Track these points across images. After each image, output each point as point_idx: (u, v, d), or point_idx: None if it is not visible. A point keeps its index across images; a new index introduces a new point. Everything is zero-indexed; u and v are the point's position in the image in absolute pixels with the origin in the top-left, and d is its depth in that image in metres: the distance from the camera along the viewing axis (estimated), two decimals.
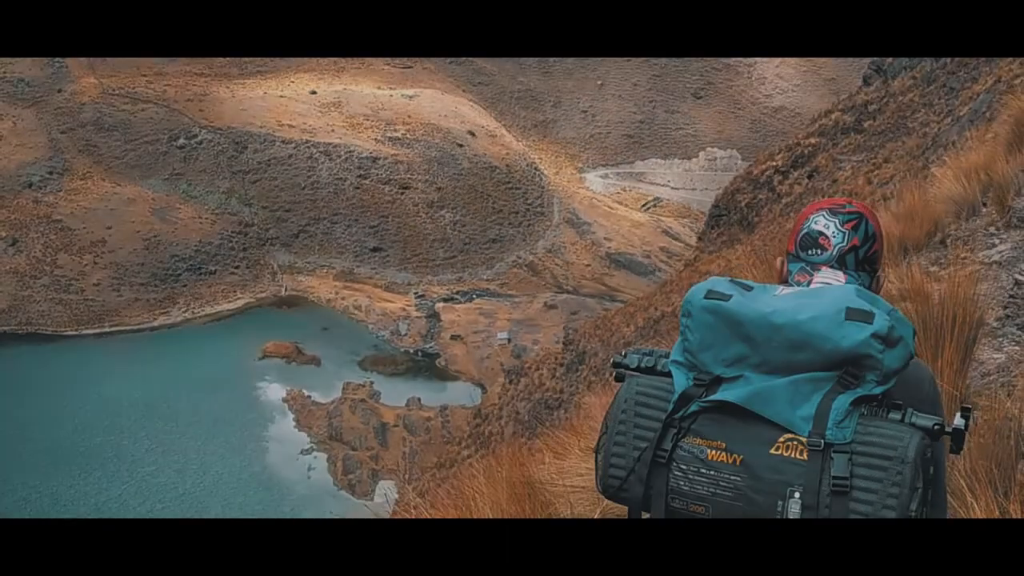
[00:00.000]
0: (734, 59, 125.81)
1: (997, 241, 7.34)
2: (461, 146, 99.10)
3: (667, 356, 2.32)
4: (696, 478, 2.14)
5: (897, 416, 2.07)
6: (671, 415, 2.18)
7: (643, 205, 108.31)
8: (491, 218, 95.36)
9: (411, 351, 79.12)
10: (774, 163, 53.52)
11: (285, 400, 70.39)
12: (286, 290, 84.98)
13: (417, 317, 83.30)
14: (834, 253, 2.54)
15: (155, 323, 78.70)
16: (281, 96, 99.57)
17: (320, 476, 62.04)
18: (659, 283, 64.23)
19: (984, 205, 8.20)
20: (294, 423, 68.02)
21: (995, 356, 5.33)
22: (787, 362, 2.12)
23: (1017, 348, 5.38)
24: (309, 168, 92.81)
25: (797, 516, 2.02)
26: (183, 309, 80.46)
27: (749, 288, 2.25)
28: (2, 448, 60.48)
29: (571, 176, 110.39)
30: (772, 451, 2.08)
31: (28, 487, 58.08)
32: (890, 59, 51.28)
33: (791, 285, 2.54)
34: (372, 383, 73.25)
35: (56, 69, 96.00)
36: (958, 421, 2.13)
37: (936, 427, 2.05)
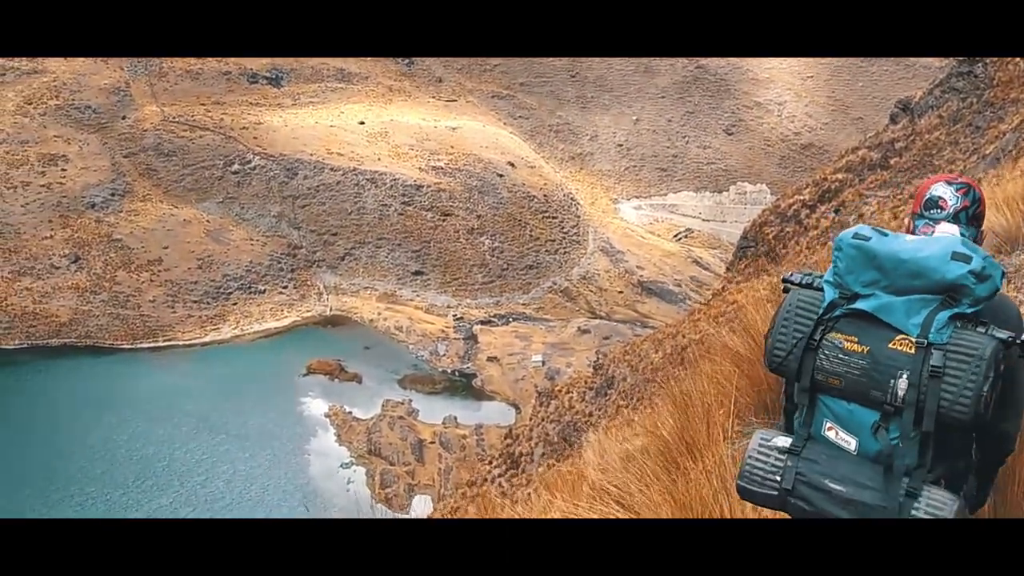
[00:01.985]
0: (765, 98, 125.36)
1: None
2: (501, 176, 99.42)
3: (821, 277, 3.12)
4: (835, 360, 2.93)
5: (982, 330, 2.78)
6: (822, 316, 3.00)
7: (675, 235, 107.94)
8: (528, 245, 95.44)
9: (449, 371, 79.18)
10: (802, 197, 52.93)
11: (327, 415, 70.64)
12: (331, 310, 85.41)
13: (455, 339, 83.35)
14: (950, 212, 3.35)
15: (206, 339, 79.33)
16: (331, 126, 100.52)
17: (359, 489, 62.06)
18: (687, 311, 63.75)
19: None
20: (335, 438, 68.20)
21: None
22: (907, 286, 2.90)
23: None
24: (356, 195, 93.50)
25: (903, 391, 2.78)
26: (233, 326, 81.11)
27: (885, 234, 3.03)
28: (61, 457, 61.13)
29: (606, 207, 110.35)
30: (890, 346, 2.85)
31: (84, 494, 58.69)
32: (917, 98, 50.74)
33: (916, 235, 3.27)
34: (411, 401, 73.37)
35: (121, 97, 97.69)
36: None
37: (1010, 339, 2.76)
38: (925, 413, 2.76)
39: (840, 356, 2.92)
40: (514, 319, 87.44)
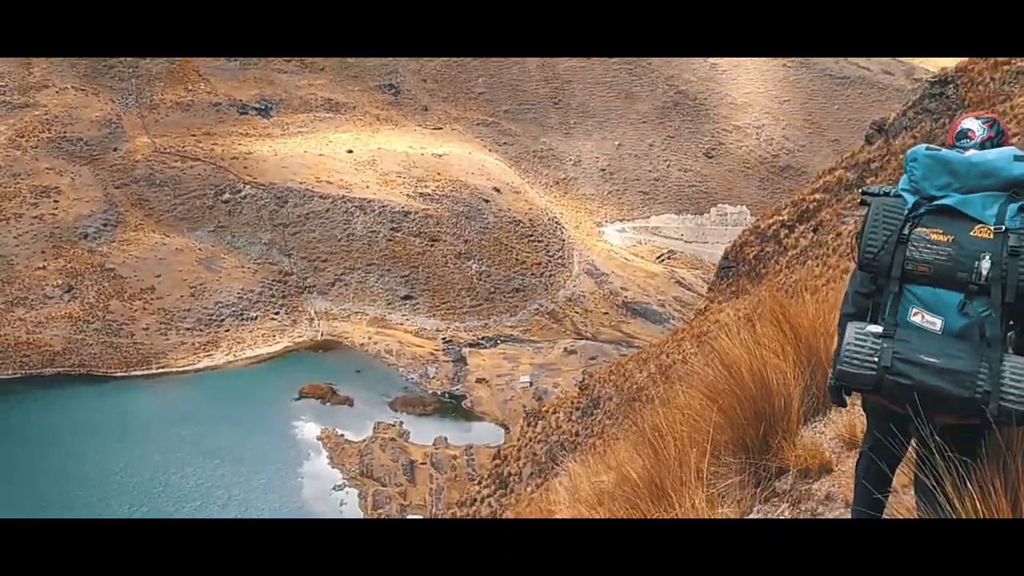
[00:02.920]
0: (743, 122, 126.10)
1: None
2: (487, 201, 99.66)
3: (896, 188, 3.58)
4: (924, 250, 3.35)
5: None
6: (909, 214, 3.43)
7: (658, 257, 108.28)
8: (515, 269, 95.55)
9: (439, 393, 79.02)
10: (781, 218, 53.08)
11: (320, 438, 70.36)
12: (322, 335, 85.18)
13: (445, 361, 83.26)
14: (977, 141, 3.66)
15: (199, 365, 78.93)
16: (320, 154, 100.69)
17: (351, 511, 61.83)
18: (671, 331, 63.82)
19: None
20: (328, 460, 67.92)
21: None
22: (977, 185, 3.37)
23: None
24: (345, 221, 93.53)
25: (987, 270, 3.23)
26: (226, 352, 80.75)
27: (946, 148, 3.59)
28: (56, 485, 60.57)
29: (590, 230, 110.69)
30: (971, 233, 3.30)
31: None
32: (891, 119, 51.02)
33: None
34: (402, 423, 73.22)
35: (112, 129, 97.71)
36: None
37: None
38: (1007, 287, 3.22)
39: (928, 246, 3.35)
40: (502, 341, 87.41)
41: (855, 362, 3.36)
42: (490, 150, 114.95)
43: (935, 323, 3.31)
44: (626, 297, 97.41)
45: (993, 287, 3.23)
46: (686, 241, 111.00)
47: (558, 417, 50.75)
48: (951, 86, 46.35)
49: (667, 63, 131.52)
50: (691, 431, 4.88)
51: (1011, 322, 3.31)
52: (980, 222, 3.32)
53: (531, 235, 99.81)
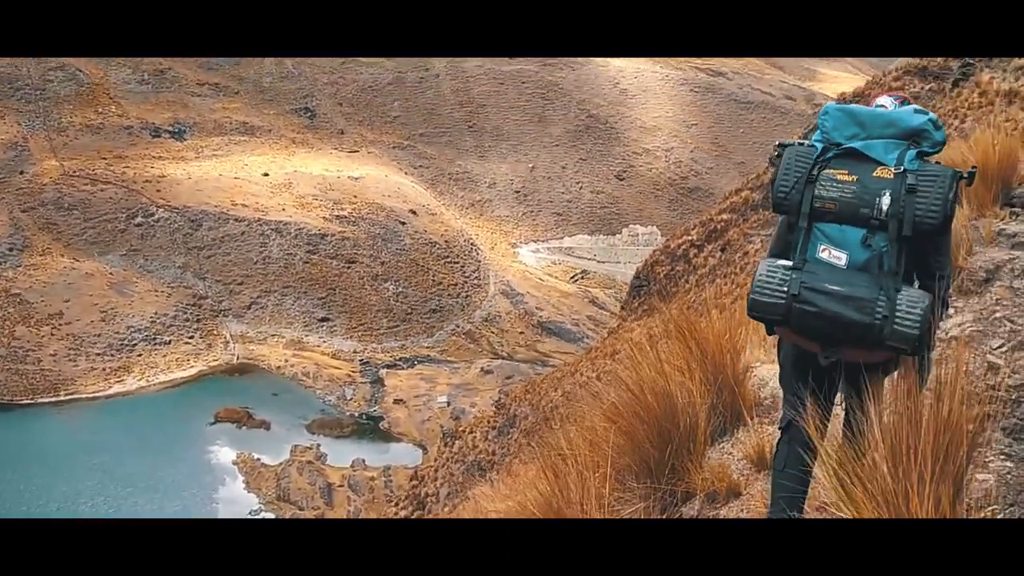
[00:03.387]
0: (653, 145, 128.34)
1: (951, 311, 5.67)
2: (403, 224, 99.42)
3: (808, 140, 3.89)
4: (830, 188, 3.65)
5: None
6: (817, 158, 3.76)
7: (571, 277, 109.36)
8: (432, 290, 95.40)
9: (356, 415, 78.24)
10: (690, 237, 53.96)
11: (235, 463, 68.90)
12: (238, 358, 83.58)
13: (362, 383, 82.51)
14: None
15: (110, 391, 76.60)
16: (235, 178, 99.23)
17: None
18: (585, 350, 64.39)
19: None
20: (244, 485, 66.55)
21: (982, 476, 3.96)
22: (880, 134, 3.69)
23: (1010, 465, 4.07)
24: (261, 244, 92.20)
25: (887, 205, 3.52)
26: (138, 377, 78.56)
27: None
28: None
29: (505, 251, 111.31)
30: (874, 174, 3.60)
31: None
32: (793, 140, 52.40)
33: None
34: (319, 445, 72.18)
35: (19, 152, 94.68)
36: (971, 170, 3.72)
37: (959, 173, 3.57)
38: (904, 222, 3.49)
39: (835, 184, 3.64)
40: (419, 362, 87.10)
41: (766, 291, 3.64)
42: (406, 173, 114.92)
43: (840, 257, 3.58)
44: (541, 317, 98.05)
45: (891, 222, 3.51)
46: (599, 261, 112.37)
47: (475, 437, 50.68)
48: None
49: (578, 88, 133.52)
50: (593, 454, 4.63)
51: (910, 256, 3.60)
52: (882, 164, 3.61)
53: (447, 256, 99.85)
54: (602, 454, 4.56)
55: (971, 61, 39.95)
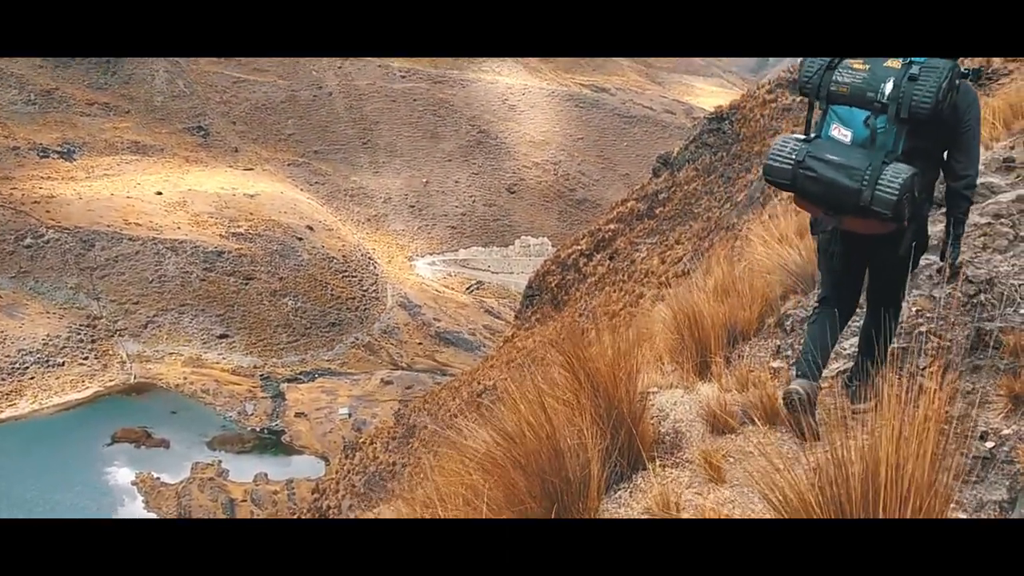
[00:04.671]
0: (542, 159, 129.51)
1: (856, 320, 5.08)
2: (301, 239, 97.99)
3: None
4: (845, 75, 3.95)
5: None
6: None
7: (467, 288, 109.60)
8: (330, 304, 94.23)
9: (258, 429, 76.49)
10: (579, 247, 54.46)
11: (135, 483, 66.61)
12: (135, 378, 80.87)
13: (263, 397, 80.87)
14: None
15: (2, 416, 73.02)
16: (128, 197, 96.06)
17: None
18: (482, 358, 64.46)
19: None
20: (143, 505, 64.37)
21: None
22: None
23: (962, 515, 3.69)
24: (156, 263, 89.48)
25: (889, 90, 3.82)
26: (31, 400, 75.18)
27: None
28: None
29: (402, 264, 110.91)
30: (884, 63, 3.87)
31: None
32: (675, 153, 53.34)
33: None
34: (220, 462, 70.42)
35: None
36: (976, 68, 4.18)
37: (966, 69, 3.90)
38: (902, 105, 3.76)
39: (849, 71, 3.95)
40: (320, 375, 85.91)
41: (777, 158, 4.05)
42: (302, 189, 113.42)
43: (847, 135, 3.93)
44: (439, 327, 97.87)
45: (891, 105, 3.80)
46: (493, 272, 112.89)
47: (375, 448, 50.18)
48: (726, 122, 49.02)
49: (468, 105, 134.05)
50: (467, 510, 3.81)
51: (913, 145, 3.87)
52: (894, 58, 3.89)
53: (345, 271, 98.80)
54: (476, 510, 3.75)
55: None
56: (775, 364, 5.35)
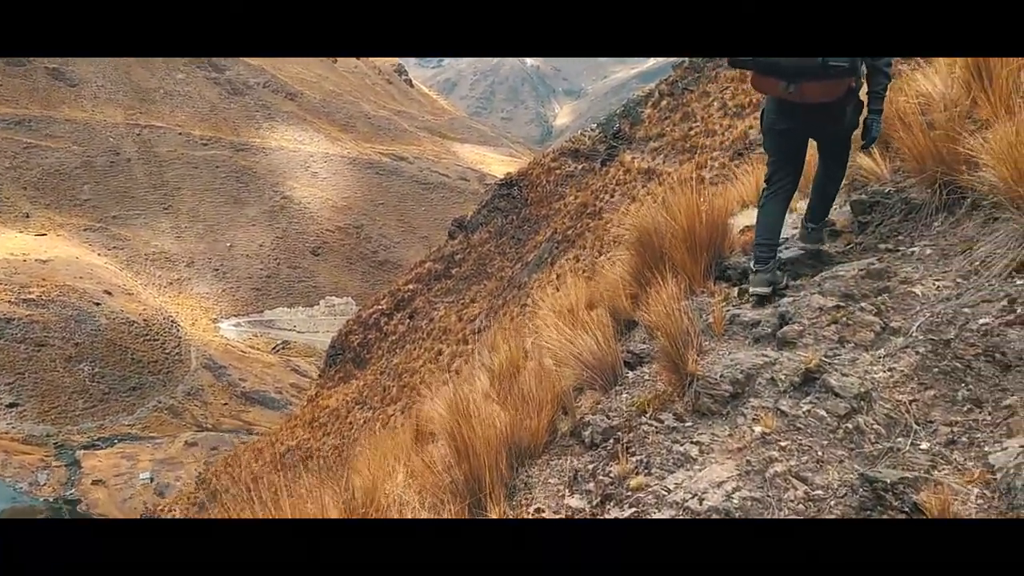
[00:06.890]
0: (344, 222, 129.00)
1: (682, 439, 3.51)
2: (98, 304, 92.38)
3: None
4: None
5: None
6: None
7: (273, 348, 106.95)
8: (131, 368, 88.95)
9: (51, 500, 70.21)
10: (380, 307, 54.36)
11: None
12: None
13: (57, 466, 74.57)
14: None
15: None
16: None
17: None
18: (285, 418, 62.57)
19: (630, 366, 4.34)
20: None
21: None
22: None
23: None
24: None
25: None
26: None
27: None
28: None
29: (207, 326, 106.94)
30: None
31: None
32: (469, 216, 54.34)
33: None
34: None
35: None
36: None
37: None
38: None
39: None
40: (119, 440, 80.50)
41: (738, 60, 4.21)
42: (100, 255, 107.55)
43: None
44: (244, 387, 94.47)
45: None
46: (299, 332, 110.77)
47: (175, 514, 47.25)
48: (515, 188, 50.56)
49: (271, 172, 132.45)
50: None
51: None
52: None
53: (146, 335, 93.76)
54: None
55: (615, 144, 42.93)
56: (573, 502, 3.41)
